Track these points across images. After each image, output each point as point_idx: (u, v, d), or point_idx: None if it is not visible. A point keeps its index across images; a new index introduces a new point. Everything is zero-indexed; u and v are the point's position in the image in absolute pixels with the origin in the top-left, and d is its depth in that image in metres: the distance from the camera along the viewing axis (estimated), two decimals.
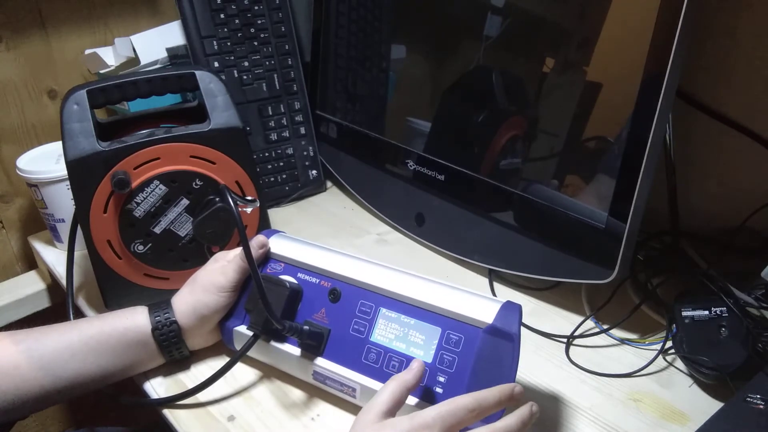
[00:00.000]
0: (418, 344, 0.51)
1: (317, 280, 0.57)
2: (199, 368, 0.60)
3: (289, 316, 0.56)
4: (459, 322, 0.50)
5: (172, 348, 0.57)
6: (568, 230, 0.62)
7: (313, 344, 0.54)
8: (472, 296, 0.51)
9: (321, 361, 0.54)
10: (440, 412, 0.43)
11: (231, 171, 0.65)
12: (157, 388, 0.58)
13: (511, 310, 0.49)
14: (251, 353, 0.58)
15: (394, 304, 0.53)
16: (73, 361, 0.52)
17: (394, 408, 0.44)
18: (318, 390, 0.57)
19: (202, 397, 0.56)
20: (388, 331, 0.53)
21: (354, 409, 0.55)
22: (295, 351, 0.55)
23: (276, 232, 0.63)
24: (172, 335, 0.56)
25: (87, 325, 0.55)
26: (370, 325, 0.54)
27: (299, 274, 0.58)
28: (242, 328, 0.58)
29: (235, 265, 0.57)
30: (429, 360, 0.50)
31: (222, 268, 0.58)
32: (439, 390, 0.49)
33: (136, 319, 0.56)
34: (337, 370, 0.53)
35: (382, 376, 0.51)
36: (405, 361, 0.51)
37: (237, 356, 0.56)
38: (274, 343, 0.57)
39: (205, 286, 0.57)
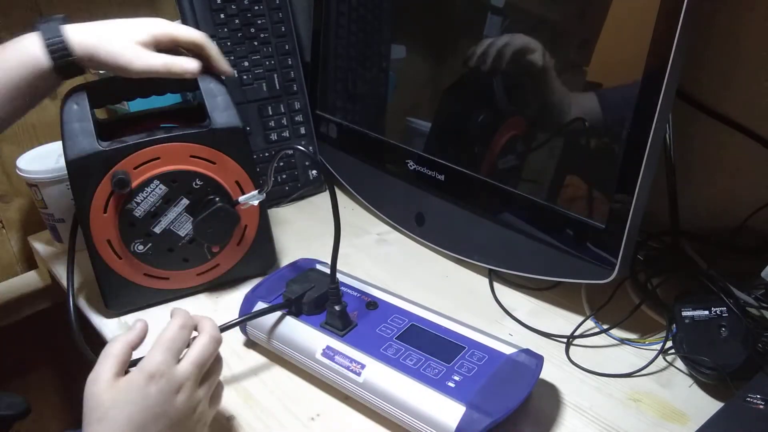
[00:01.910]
0: (441, 352, 0.53)
1: (358, 294, 0.62)
2: None
3: (320, 308, 0.59)
4: (486, 346, 0.54)
5: (70, 69, 0.58)
6: (568, 230, 0.62)
7: (338, 326, 0.56)
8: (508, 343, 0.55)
9: (337, 341, 0.55)
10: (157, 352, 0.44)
11: (231, 171, 0.65)
12: None
13: (534, 354, 0.53)
14: (265, 324, 0.59)
15: (427, 323, 0.57)
16: None
17: (122, 368, 0.44)
18: (318, 389, 0.57)
19: None
20: (414, 338, 0.55)
21: (355, 407, 0.55)
22: (313, 329, 0.57)
23: (317, 261, 0.66)
24: (68, 59, 0.57)
25: None
26: (398, 330, 0.56)
27: (342, 288, 0.62)
28: (263, 305, 0.60)
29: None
30: (448, 363, 0.52)
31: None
32: (450, 384, 0.50)
33: (30, 52, 0.56)
34: (350, 351, 0.54)
35: (397, 365, 0.52)
36: (423, 359, 0.52)
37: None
38: (291, 318, 0.58)
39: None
